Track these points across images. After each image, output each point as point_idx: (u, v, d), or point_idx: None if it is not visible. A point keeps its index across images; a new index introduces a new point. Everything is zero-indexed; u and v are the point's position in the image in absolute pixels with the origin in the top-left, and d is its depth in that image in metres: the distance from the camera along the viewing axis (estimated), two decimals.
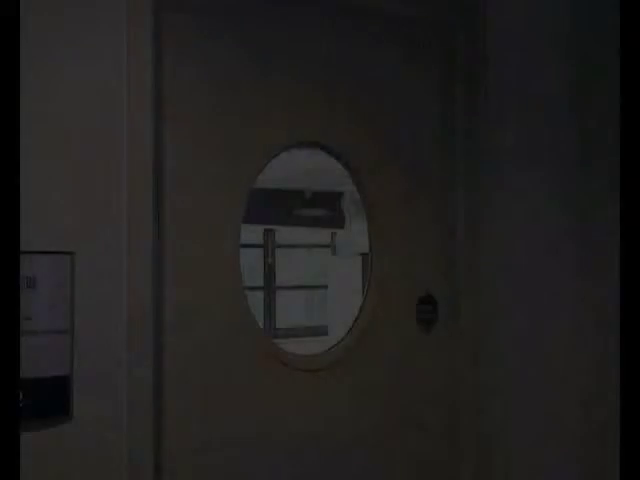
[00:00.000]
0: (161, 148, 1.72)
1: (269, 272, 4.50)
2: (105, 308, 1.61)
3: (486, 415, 2.09)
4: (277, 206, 4.34)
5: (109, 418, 1.60)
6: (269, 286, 4.50)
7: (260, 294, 4.46)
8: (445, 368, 2.13)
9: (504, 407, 2.09)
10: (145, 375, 1.63)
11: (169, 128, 1.74)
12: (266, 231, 4.55)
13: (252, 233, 4.43)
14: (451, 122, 2.15)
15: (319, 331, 4.38)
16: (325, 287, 4.60)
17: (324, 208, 4.45)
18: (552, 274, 2.20)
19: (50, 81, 1.56)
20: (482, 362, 2.10)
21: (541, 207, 2.19)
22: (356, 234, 4.39)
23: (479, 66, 2.14)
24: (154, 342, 1.66)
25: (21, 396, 1.44)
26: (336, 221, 4.49)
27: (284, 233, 4.66)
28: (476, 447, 2.10)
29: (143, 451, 1.63)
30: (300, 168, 4.17)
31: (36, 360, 1.48)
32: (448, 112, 2.15)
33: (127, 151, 1.64)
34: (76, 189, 1.59)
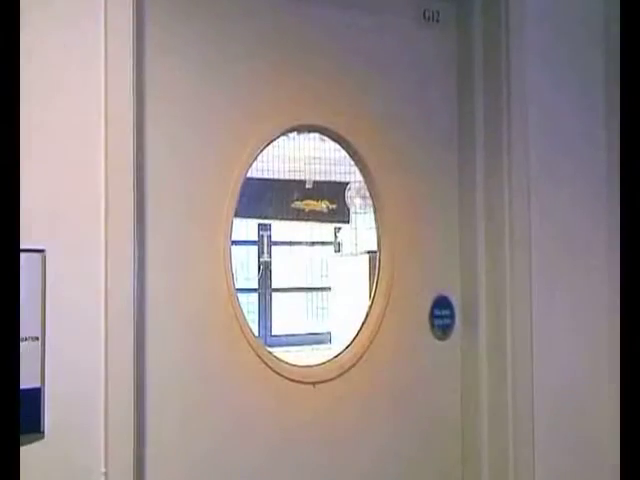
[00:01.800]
0: (143, 134, 1.72)
1: (264, 272, 4.50)
2: (80, 312, 1.60)
3: (509, 436, 2.07)
4: (274, 198, 4.34)
5: (85, 436, 1.59)
6: (264, 288, 4.50)
7: (254, 297, 4.46)
8: (463, 381, 2.13)
9: (528, 427, 2.08)
10: (125, 389, 1.62)
11: (151, 112, 1.73)
12: (261, 226, 4.55)
13: (245, 228, 4.43)
14: (469, 108, 2.14)
15: (321, 339, 4.38)
16: (328, 289, 4.59)
17: (327, 200, 4.44)
18: (586, 275, 2.19)
19: (24, 68, 1.55)
20: (506, 374, 2.08)
21: (577, 195, 2.18)
22: (362, 229, 4.39)
23: (500, 49, 2.13)
24: (135, 350, 1.65)
25: None
26: (340, 215, 4.49)
27: (281, 228, 4.66)
28: (495, 472, 2.09)
29: (123, 474, 1.62)
30: (300, 156, 4.18)
31: None
32: (466, 98, 2.14)
33: (105, 138, 1.63)
34: (46, 178, 1.58)
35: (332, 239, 4.79)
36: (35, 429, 1.54)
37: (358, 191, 4.22)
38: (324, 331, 4.43)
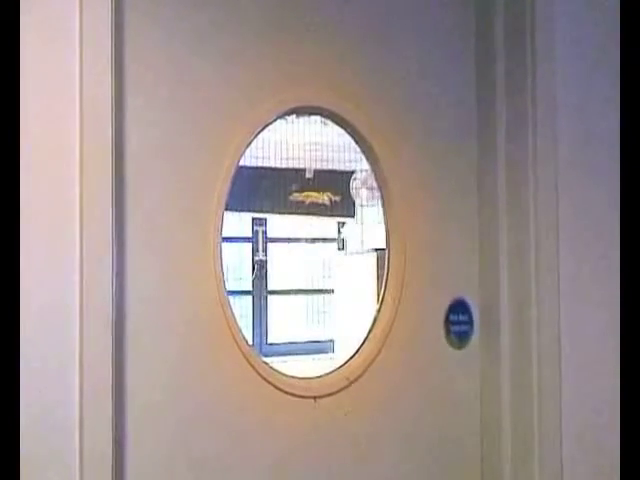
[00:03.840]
0: (122, 118, 1.71)
1: (259, 272, 4.51)
2: (51, 319, 1.60)
3: (534, 461, 2.07)
4: (270, 189, 4.34)
5: (58, 462, 1.59)
6: (259, 290, 4.51)
7: (248, 300, 4.46)
8: (483, 396, 2.12)
9: (556, 450, 2.07)
10: (102, 408, 1.62)
11: (131, 92, 1.73)
12: (255, 220, 4.55)
13: (238, 223, 4.44)
14: (489, 89, 2.13)
15: (323, 347, 4.39)
16: (330, 292, 4.60)
17: (329, 192, 4.44)
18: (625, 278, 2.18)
19: None
20: (531, 389, 2.08)
21: (612, 187, 2.17)
22: (369, 224, 4.39)
23: (524, 20, 2.12)
24: (113, 363, 1.65)
25: None
26: (344, 208, 4.49)
27: (278, 223, 4.66)
28: None
29: None
30: (300, 141, 4.18)
31: None
32: (486, 78, 2.13)
33: (80, 122, 1.63)
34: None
35: (335, 235, 4.80)
36: None
37: (364, 181, 4.23)
38: (326, 339, 4.44)
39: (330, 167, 4.34)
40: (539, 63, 2.07)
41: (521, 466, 2.07)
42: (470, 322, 2.12)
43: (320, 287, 4.94)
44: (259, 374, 1.87)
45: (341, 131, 2.05)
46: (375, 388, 2.00)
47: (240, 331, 1.86)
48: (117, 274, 1.68)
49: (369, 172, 2.10)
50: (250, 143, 1.90)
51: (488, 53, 2.15)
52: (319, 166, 4.34)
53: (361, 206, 4.45)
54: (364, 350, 2.02)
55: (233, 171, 1.86)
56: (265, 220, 4.62)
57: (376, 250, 3.71)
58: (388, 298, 2.04)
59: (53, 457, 1.59)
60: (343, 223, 4.73)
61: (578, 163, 2.15)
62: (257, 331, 4.43)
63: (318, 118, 2.04)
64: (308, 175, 4.40)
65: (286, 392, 1.89)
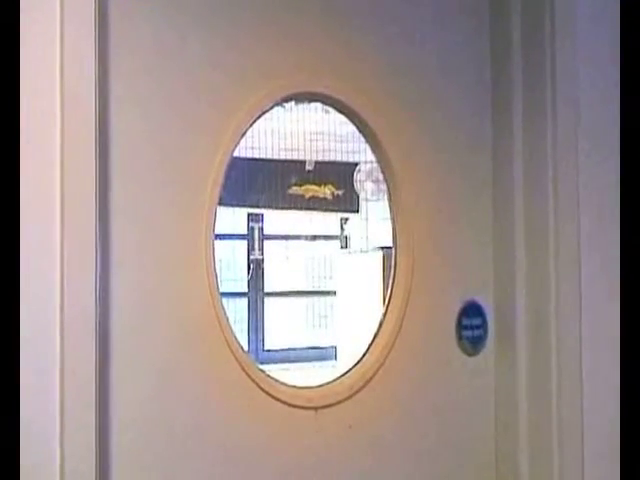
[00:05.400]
0: (106, 108, 1.71)
1: (255, 272, 4.51)
2: (29, 325, 1.60)
3: (554, 477, 2.07)
4: (267, 182, 4.35)
5: None
6: (255, 292, 4.52)
7: (243, 303, 4.47)
8: (498, 406, 2.13)
9: (577, 466, 2.07)
10: (84, 424, 1.62)
11: (116, 76, 1.73)
12: (251, 216, 4.56)
13: (232, 219, 4.44)
14: (504, 70, 2.13)
15: (324, 354, 4.40)
16: (332, 293, 4.61)
17: (331, 185, 4.45)
18: None
19: None
20: (550, 399, 2.08)
21: None
22: (375, 221, 4.40)
23: None
24: (97, 373, 1.65)
25: None
26: (347, 203, 4.50)
27: (276, 219, 4.67)
28: None
29: None
30: (299, 130, 4.18)
31: None
32: (500, 57, 2.13)
33: (61, 112, 1.63)
34: None
35: (337, 232, 4.81)
36: None
37: (369, 174, 4.23)
38: (328, 345, 4.45)
39: (332, 158, 4.35)
40: (558, 38, 2.07)
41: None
42: (484, 326, 2.13)
43: (321, 289, 4.96)
44: (255, 383, 1.87)
45: (344, 119, 2.06)
46: (381, 398, 2.00)
47: (234, 337, 1.86)
48: (101, 275, 1.68)
49: (374, 163, 2.10)
50: (245, 132, 1.90)
51: (504, 31, 2.15)
52: (320, 157, 4.34)
53: (366, 200, 4.46)
54: (369, 357, 2.02)
55: (227, 163, 1.86)
56: (261, 216, 4.63)
57: (382, 248, 3.72)
58: (395, 300, 2.05)
59: (32, 474, 1.59)
60: (346, 219, 4.74)
61: (599, 155, 2.14)
62: (253, 337, 4.45)
63: (319, 105, 2.05)
64: (308, 167, 4.41)
65: (285, 403, 1.90)
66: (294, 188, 4.44)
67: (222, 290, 1.84)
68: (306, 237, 4.90)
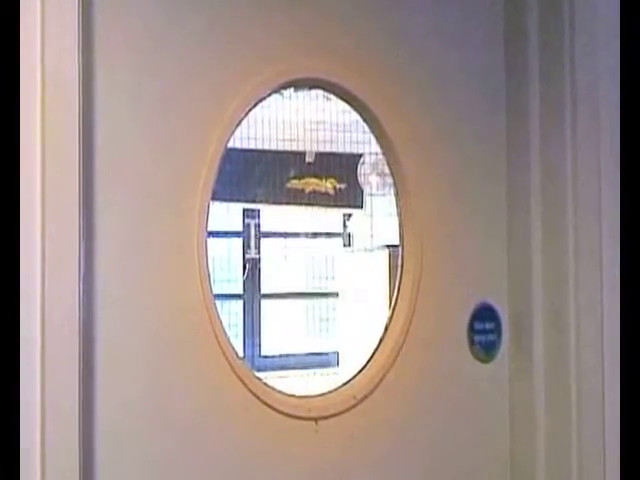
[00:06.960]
0: (91, 96, 1.72)
1: (251, 273, 4.52)
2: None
3: None
4: (263, 175, 4.35)
5: None
6: (251, 294, 4.52)
7: (238, 305, 4.48)
8: (513, 417, 2.13)
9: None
10: (67, 437, 1.62)
11: (101, 60, 1.74)
12: (247, 212, 4.56)
13: (226, 215, 4.44)
14: (520, 54, 2.14)
15: (325, 360, 4.40)
16: (335, 295, 4.61)
17: (333, 178, 4.45)
18: None
19: None
20: (569, 408, 2.09)
21: None
22: (380, 217, 4.40)
23: None
24: (81, 381, 1.65)
25: None
26: (351, 198, 4.50)
27: (273, 215, 4.67)
28: None
29: None
30: (298, 119, 4.18)
31: None
32: (515, 41, 2.14)
33: (42, 100, 1.63)
34: None
35: (340, 229, 4.81)
36: None
37: (374, 166, 4.24)
38: (329, 351, 4.45)
39: (334, 149, 4.34)
40: (577, 19, 2.06)
41: None
42: (498, 331, 2.13)
43: (322, 290, 4.96)
44: (251, 392, 1.87)
45: (347, 107, 2.06)
46: (387, 408, 2.01)
47: (229, 342, 1.86)
48: (85, 275, 1.69)
49: (380, 155, 2.10)
50: (241, 121, 1.91)
51: (519, 9, 2.15)
52: (321, 148, 4.34)
53: (370, 195, 4.47)
54: (374, 364, 2.03)
55: (221, 154, 1.87)
56: (258, 212, 4.63)
57: (388, 247, 3.72)
58: (402, 303, 2.05)
59: None
60: (349, 215, 4.74)
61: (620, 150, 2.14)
62: (249, 341, 4.45)
63: (320, 92, 2.05)
64: (308, 159, 4.41)
65: (283, 413, 1.90)
66: (293, 182, 4.43)
67: (215, 292, 1.85)
68: (306, 235, 4.90)
